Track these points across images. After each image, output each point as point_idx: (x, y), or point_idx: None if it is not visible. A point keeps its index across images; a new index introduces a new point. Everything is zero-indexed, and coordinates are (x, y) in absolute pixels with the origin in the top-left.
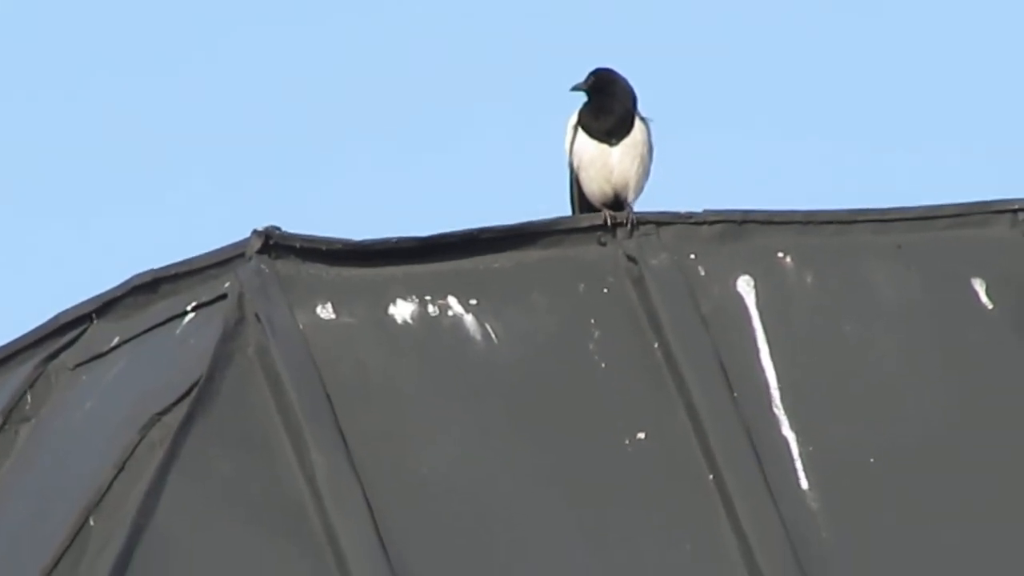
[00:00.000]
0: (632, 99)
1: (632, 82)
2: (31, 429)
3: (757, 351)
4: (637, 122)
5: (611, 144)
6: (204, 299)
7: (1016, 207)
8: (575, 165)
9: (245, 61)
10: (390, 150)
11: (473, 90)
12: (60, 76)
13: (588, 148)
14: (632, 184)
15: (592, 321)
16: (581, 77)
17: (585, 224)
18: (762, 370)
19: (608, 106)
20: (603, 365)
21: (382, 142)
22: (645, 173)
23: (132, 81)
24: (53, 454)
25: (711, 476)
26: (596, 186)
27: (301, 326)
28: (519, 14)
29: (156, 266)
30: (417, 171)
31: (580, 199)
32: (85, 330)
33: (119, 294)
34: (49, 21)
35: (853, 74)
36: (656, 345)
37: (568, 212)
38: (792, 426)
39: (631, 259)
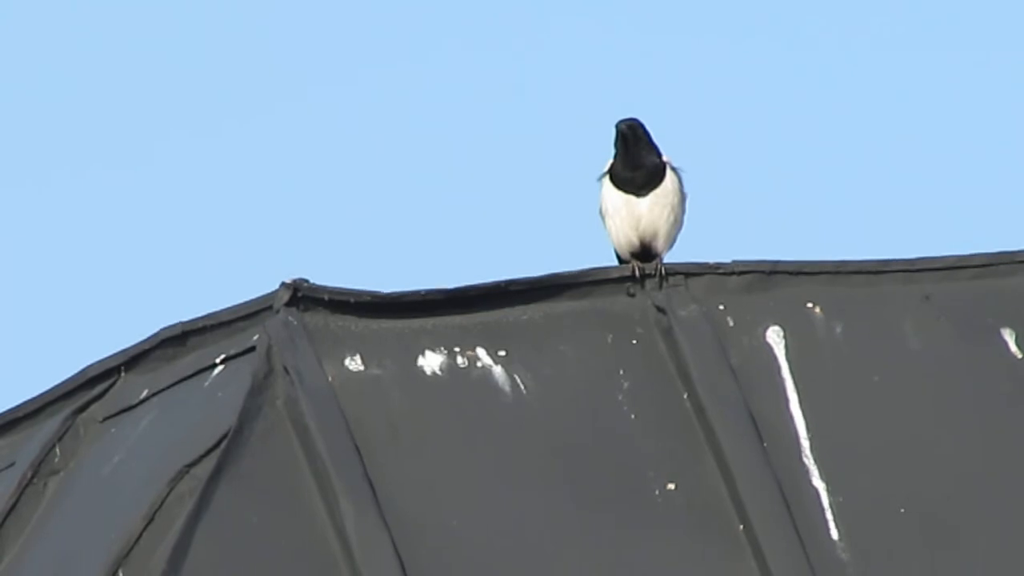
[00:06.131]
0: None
1: (661, 131)
2: (60, 482)
3: (787, 401)
4: (668, 172)
5: (639, 195)
6: (233, 352)
7: None
8: (601, 213)
9: (275, 113)
10: (419, 201)
11: (502, 140)
12: (89, 128)
13: (613, 198)
14: (662, 234)
15: (621, 372)
16: (608, 125)
17: (614, 275)
18: (792, 420)
19: (637, 158)
20: (632, 416)
21: (411, 193)
22: (676, 224)
23: (160, 132)
24: (82, 507)
25: (741, 526)
26: (622, 235)
27: (330, 378)
28: (546, 62)
29: (184, 319)
30: (446, 222)
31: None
32: (114, 383)
33: (148, 347)
34: (88, 87)
35: (880, 124)
36: (685, 396)
37: (597, 262)
38: (822, 476)
39: (660, 310)
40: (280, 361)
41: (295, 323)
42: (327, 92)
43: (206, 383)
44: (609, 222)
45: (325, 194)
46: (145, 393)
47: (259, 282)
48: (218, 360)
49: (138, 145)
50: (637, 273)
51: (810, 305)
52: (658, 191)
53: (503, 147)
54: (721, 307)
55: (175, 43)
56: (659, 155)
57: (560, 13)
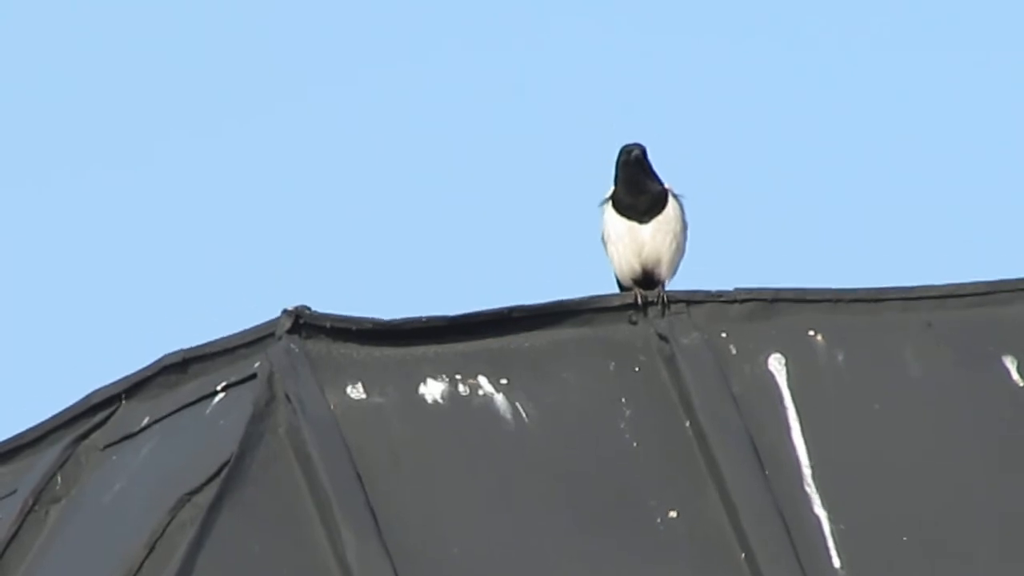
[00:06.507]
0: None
1: (661, 132)
2: (61, 510)
3: (788, 429)
4: (670, 200)
5: (642, 222)
6: (234, 379)
7: None
8: (603, 240)
9: (275, 113)
10: (420, 201)
11: (502, 140)
12: (91, 150)
13: (616, 224)
14: (665, 262)
15: (623, 400)
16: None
17: (616, 303)
18: (793, 448)
19: (640, 184)
20: (634, 444)
21: (411, 194)
22: (679, 251)
23: (160, 132)
24: (83, 535)
25: (743, 555)
26: (624, 262)
27: (331, 406)
28: (546, 62)
29: (186, 346)
30: (446, 223)
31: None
32: (115, 410)
33: (149, 374)
34: (93, 100)
35: (882, 151)
36: (687, 424)
37: (599, 290)
38: (824, 504)
39: (662, 338)
40: (282, 389)
41: (297, 350)
42: (327, 92)
43: (207, 411)
44: (611, 249)
45: (325, 196)
46: (146, 420)
47: (261, 310)
48: (219, 387)
49: (138, 146)
50: (639, 301)
51: (812, 333)
52: (660, 218)
53: (503, 147)
54: (723, 335)
55: (175, 43)
56: (661, 182)
57: (560, 13)
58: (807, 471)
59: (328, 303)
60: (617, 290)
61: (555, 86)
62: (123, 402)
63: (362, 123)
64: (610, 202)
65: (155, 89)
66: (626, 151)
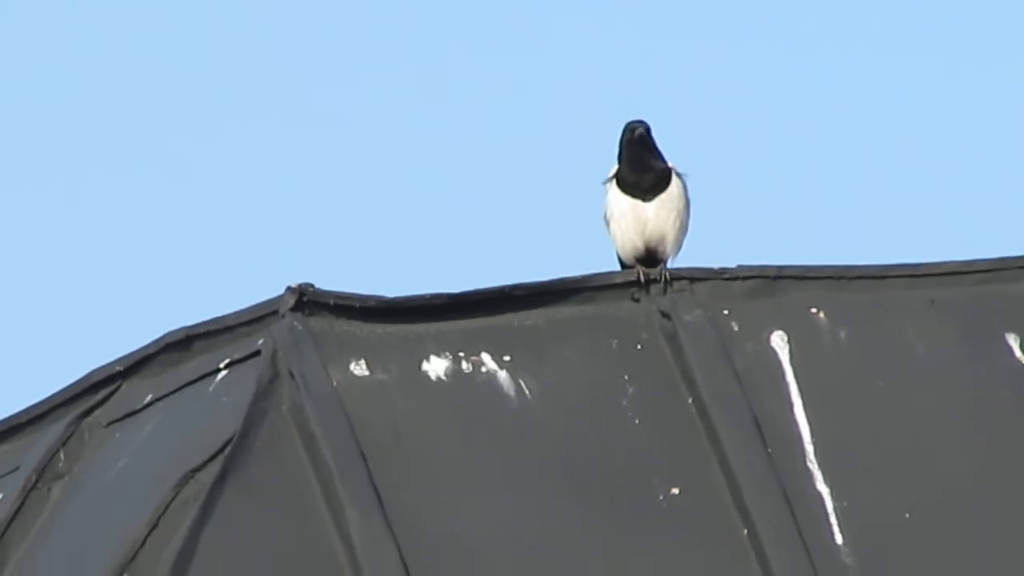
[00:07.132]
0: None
1: (662, 131)
2: (64, 486)
3: (791, 406)
4: (674, 178)
5: (645, 200)
6: (237, 356)
7: None
8: (606, 217)
9: (275, 113)
10: (421, 201)
11: (502, 140)
12: (91, 150)
13: (620, 202)
14: (670, 239)
15: (626, 377)
16: (609, 125)
17: (618, 280)
18: (796, 425)
19: (644, 161)
20: (637, 421)
21: (412, 194)
22: (683, 229)
23: (160, 132)
24: (86, 512)
25: (745, 531)
26: (627, 240)
27: (335, 383)
28: (546, 62)
29: (189, 323)
30: (448, 222)
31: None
32: (118, 387)
33: (152, 351)
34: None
35: (882, 126)
36: (690, 401)
37: (601, 269)
38: (826, 481)
39: (665, 315)
40: (285, 366)
41: (300, 328)
42: (327, 92)
43: (211, 388)
44: (615, 226)
45: (325, 194)
46: (149, 398)
47: (264, 287)
48: (223, 365)
49: (138, 145)
50: (642, 278)
51: (814, 310)
52: (664, 196)
53: (503, 147)
54: (726, 312)
55: (175, 43)
56: (664, 160)
57: (560, 13)
58: (809, 448)
59: (331, 281)
60: (619, 268)
61: (555, 86)
62: (126, 379)
63: (362, 123)
64: (614, 180)
65: (155, 89)
66: (630, 129)
